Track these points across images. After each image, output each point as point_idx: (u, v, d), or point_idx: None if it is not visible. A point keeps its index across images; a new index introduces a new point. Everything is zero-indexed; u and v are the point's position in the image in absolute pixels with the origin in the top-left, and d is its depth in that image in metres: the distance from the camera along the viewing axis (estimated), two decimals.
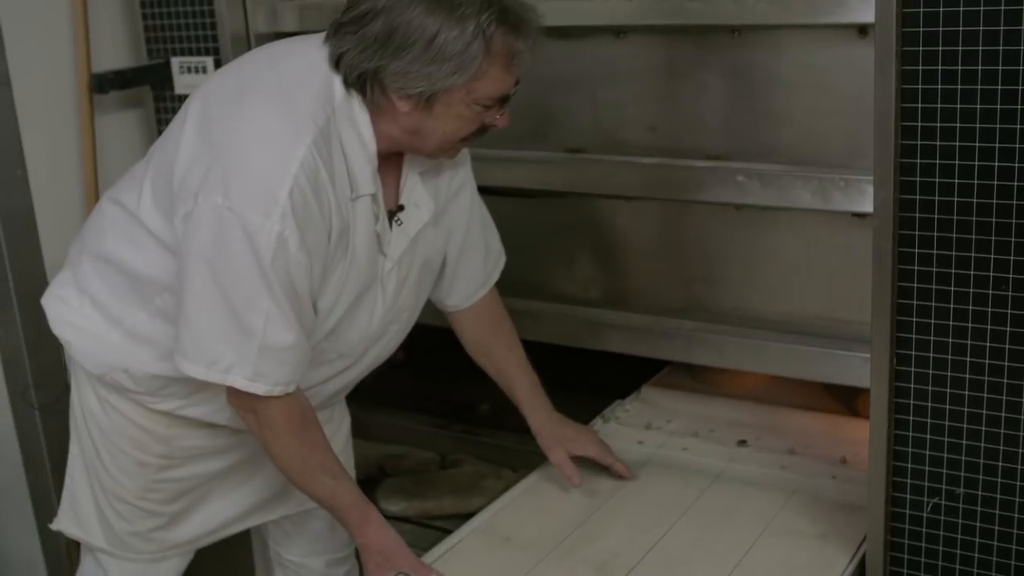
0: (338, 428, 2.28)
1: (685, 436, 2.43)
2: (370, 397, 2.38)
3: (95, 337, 1.98)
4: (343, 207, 1.81)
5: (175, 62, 2.82)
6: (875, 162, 1.68)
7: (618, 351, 2.49)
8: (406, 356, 2.83)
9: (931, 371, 1.73)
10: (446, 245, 2.11)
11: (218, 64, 2.72)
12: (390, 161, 1.92)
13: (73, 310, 2.01)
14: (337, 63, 1.79)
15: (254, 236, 1.70)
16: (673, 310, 2.45)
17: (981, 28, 1.57)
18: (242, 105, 1.79)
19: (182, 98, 2.75)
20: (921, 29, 1.61)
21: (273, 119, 1.76)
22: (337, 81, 1.80)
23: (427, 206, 1.99)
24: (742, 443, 2.37)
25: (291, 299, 1.77)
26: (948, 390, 1.73)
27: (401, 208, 1.95)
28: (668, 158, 2.32)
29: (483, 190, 2.48)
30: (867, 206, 1.88)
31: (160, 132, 2.46)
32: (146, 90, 2.91)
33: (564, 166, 2.45)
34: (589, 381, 2.68)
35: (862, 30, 2.05)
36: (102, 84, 2.83)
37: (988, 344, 1.68)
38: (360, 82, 1.79)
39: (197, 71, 2.79)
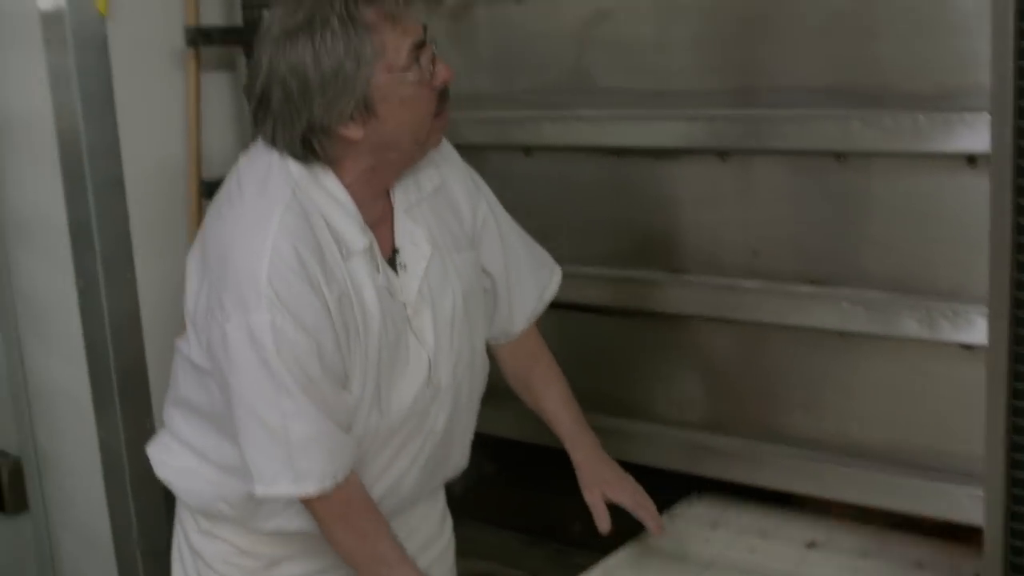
0: (445, 549, 2.26)
1: (752, 536, 2.36)
2: (458, 510, 2.35)
3: (192, 473, 2.01)
4: (338, 272, 1.80)
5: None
6: (990, 296, 1.65)
7: (713, 476, 2.44)
8: (497, 468, 2.82)
9: None
10: (486, 272, 2.12)
11: None
12: (377, 209, 1.90)
13: (172, 454, 2.06)
14: (278, 145, 1.80)
15: (253, 334, 1.73)
16: (772, 435, 2.40)
17: None
18: (221, 224, 1.83)
19: None
20: None
21: (242, 222, 1.80)
22: (289, 160, 1.81)
23: (423, 241, 1.95)
24: (811, 545, 2.30)
25: (306, 388, 1.76)
26: None
27: (397, 251, 1.93)
28: (770, 281, 2.30)
29: (582, 308, 2.50)
30: (976, 337, 1.84)
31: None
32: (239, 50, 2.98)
33: (665, 286, 2.44)
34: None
35: (971, 159, 2.02)
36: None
37: None
38: (307, 146, 1.80)
39: None
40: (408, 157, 1.88)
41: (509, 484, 2.88)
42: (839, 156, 2.19)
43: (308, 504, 1.86)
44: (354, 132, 1.78)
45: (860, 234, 2.21)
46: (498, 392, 2.24)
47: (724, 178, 2.35)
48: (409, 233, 1.94)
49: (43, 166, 2.88)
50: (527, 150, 2.62)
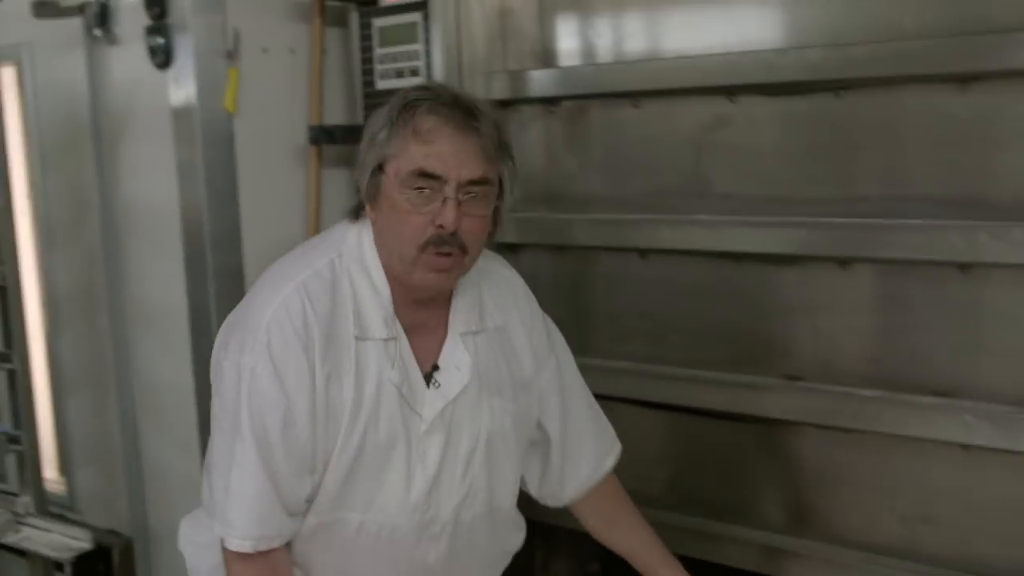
0: None
1: None
2: None
3: (209, 550, 1.99)
4: (343, 349, 1.84)
5: None
6: None
7: None
8: (601, 567, 2.79)
9: None
10: (529, 429, 2.09)
11: None
12: (421, 316, 1.92)
13: (199, 529, 2.07)
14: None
15: (239, 374, 1.82)
16: (888, 549, 2.34)
17: None
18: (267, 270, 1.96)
19: None
20: None
21: (275, 272, 1.92)
22: (352, 229, 1.92)
23: (466, 368, 1.95)
24: None
25: (260, 444, 1.79)
26: None
27: (436, 368, 1.94)
28: (891, 391, 2.27)
29: (692, 411, 2.48)
30: None
31: None
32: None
33: (779, 392, 2.41)
34: None
35: None
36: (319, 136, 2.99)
37: None
38: (358, 209, 1.92)
39: None
40: (404, 275, 1.86)
41: None
42: (963, 267, 2.16)
43: (227, 561, 1.88)
44: (369, 210, 1.88)
45: (984, 345, 2.18)
46: None
47: (844, 286, 2.33)
48: (455, 357, 1.96)
49: (166, 255, 2.96)
50: (642, 253, 2.62)
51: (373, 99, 2.94)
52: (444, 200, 1.79)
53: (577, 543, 2.93)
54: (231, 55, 2.83)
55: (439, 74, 2.73)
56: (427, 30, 2.76)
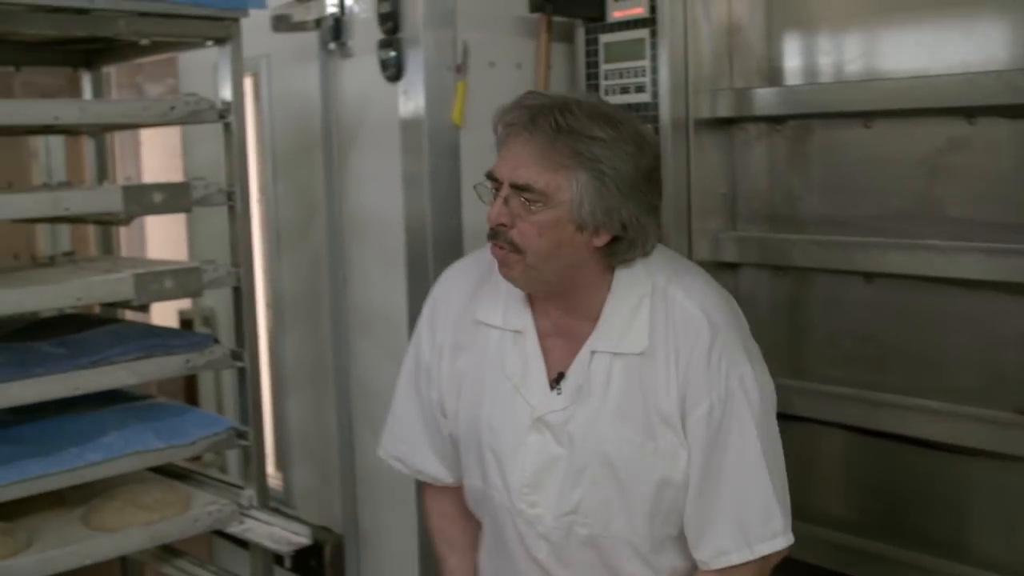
0: None
1: None
2: None
3: None
4: (470, 326, 2.07)
5: None
6: None
7: None
8: None
9: None
10: (668, 467, 1.93)
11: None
12: (553, 321, 2.00)
13: None
14: None
15: None
16: None
17: None
18: None
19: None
20: None
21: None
22: None
23: (588, 385, 1.94)
24: None
25: (406, 368, 2.19)
26: None
27: (563, 376, 1.97)
28: None
29: (915, 441, 2.40)
30: None
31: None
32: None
33: (1012, 428, 2.32)
34: None
35: None
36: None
37: None
38: None
39: None
40: None
41: None
42: None
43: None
44: None
45: None
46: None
47: None
48: (580, 370, 1.96)
49: (389, 262, 3.04)
50: (868, 276, 2.56)
51: None
52: (495, 198, 1.93)
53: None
54: (459, 69, 2.90)
55: (665, 90, 2.73)
56: (654, 47, 2.77)
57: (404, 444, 2.22)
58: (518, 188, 1.87)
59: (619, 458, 1.94)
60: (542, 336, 2.01)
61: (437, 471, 2.20)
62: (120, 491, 2.68)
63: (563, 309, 1.98)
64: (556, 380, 1.98)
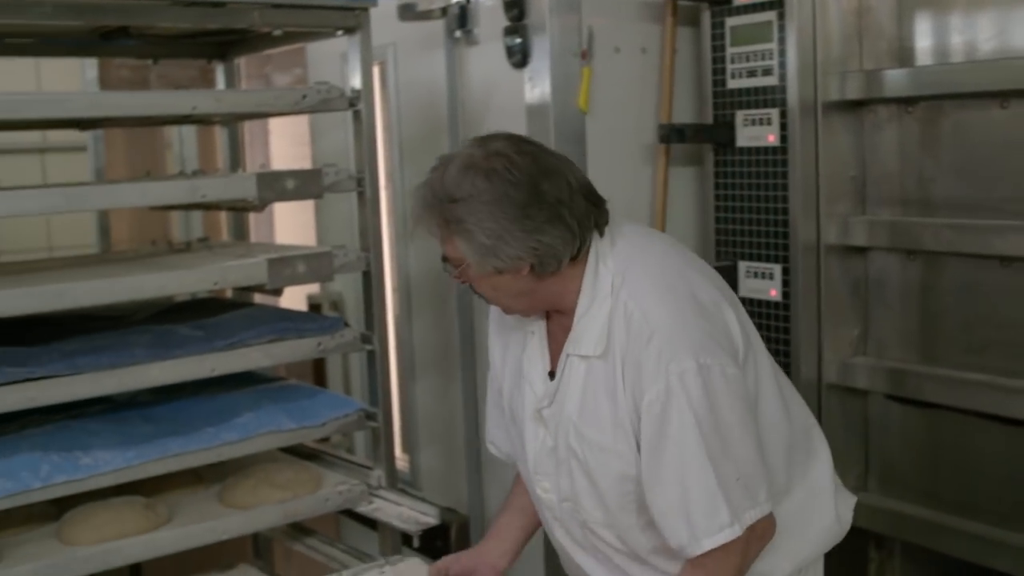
0: None
1: None
2: None
3: None
4: (505, 325, 2.17)
5: (739, 116, 2.93)
6: None
7: None
8: None
9: None
10: (626, 464, 1.97)
11: (783, 127, 2.80)
12: (554, 324, 2.08)
13: None
14: None
15: None
16: None
17: None
18: None
19: (744, 151, 2.91)
20: None
21: None
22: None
23: (563, 384, 2.03)
24: None
25: (491, 372, 2.26)
26: None
27: (553, 373, 2.07)
28: None
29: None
30: None
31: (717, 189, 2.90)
32: (708, 148, 3.05)
33: None
34: None
35: None
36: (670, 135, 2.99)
37: None
38: None
39: (760, 123, 2.87)
40: None
41: None
42: None
43: None
44: None
45: None
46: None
47: None
48: (562, 368, 2.05)
49: None
50: (1005, 260, 2.51)
51: (723, 98, 2.94)
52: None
53: (912, 558, 2.85)
54: (585, 55, 2.90)
55: (793, 73, 2.71)
56: (781, 29, 2.74)
57: (495, 430, 2.31)
58: (446, 260, 2.01)
59: (583, 453, 2.00)
60: (551, 335, 2.10)
61: (500, 449, 2.33)
62: (254, 470, 2.76)
63: (560, 312, 2.06)
64: (551, 376, 2.07)
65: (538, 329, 2.10)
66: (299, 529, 3.06)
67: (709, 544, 1.91)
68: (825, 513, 2.11)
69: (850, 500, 2.15)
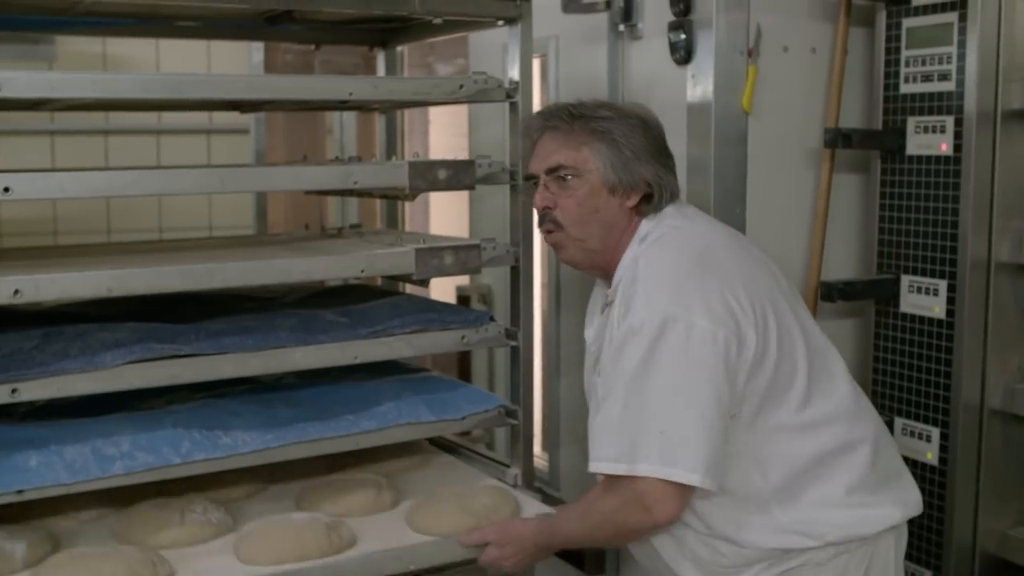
0: None
1: None
2: None
3: None
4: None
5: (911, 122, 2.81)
6: None
7: None
8: None
9: None
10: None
11: (957, 135, 2.68)
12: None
13: None
14: None
15: None
16: None
17: None
18: None
19: (913, 160, 2.80)
20: None
21: None
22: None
23: (591, 334, 2.45)
24: None
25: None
26: None
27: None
28: None
29: None
30: None
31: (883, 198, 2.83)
32: (875, 154, 2.95)
33: None
34: None
35: None
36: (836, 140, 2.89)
37: None
38: None
39: (933, 131, 2.74)
40: None
41: None
42: None
43: None
44: None
45: None
46: None
47: None
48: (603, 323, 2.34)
49: None
50: None
51: (894, 103, 2.81)
52: (537, 189, 2.36)
53: None
54: (751, 53, 2.81)
55: (972, 79, 2.57)
56: (962, 32, 2.60)
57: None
58: (552, 171, 2.32)
59: (596, 397, 2.32)
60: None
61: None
62: (447, 492, 2.61)
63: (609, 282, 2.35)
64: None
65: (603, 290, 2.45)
66: None
67: (594, 467, 2.17)
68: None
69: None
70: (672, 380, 2.06)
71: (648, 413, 2.07)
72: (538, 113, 2.43)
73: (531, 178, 2.39)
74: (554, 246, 2.41)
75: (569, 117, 2.32)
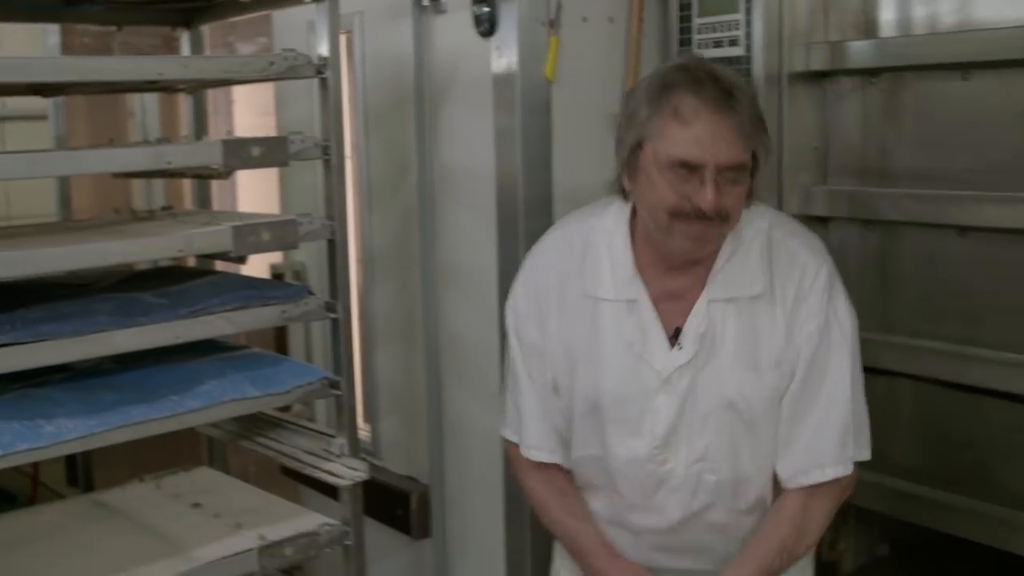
0: None
1: None
2: None
3: None
4: (577, 301, 2.11)
5: None
6: None
7: None
8: (891, 550, 2.74)
9: None
10: (777, 402, 2.06)
11: None
12: (674, 284, 2.07)
13: None
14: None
15: (508, 314, 2.30)
16: None
17: None
18: None
19: None
20: None
21: (544, 238, 2.32)
22: (616, 201, 2.14)
23: (710, 334, 2.04)
24: None
25: (521, 362, 2.21)
26: None
27: (680, 331, 2.03)
28: None
29: (1012, 397, 2.38)
30: None
31: None
32: None
33: None
34: None
35: None
36: None
37: None
38: (620, 183, 2.06)
39: None
40: (661, 242, 2.02)
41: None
42: None
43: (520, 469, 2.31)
44: (626, 182, 2.02)
45: None
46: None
47: None
48: (700, 321, 2.04)
49: (479, 217, 3.07)
50: (962, 230, 2.54)
51: None
52: (702, 182, 1.92)
53: (866, 523, 2.89)
54: (553, 24, 2.90)
55: (759, 44, 2.72)
56: (749, 0, 2.75)
57: (541, 435, 2.26)
58: (731, 169, 1.94)
59: (741, 401, 2.04)
60: (654, 301, 2.08)
61: (553, 452, 2.26)
62: None
63: (679, 271, 2.07)
64: (674, 337, 2.06)
65: (640, 295, 2.07)
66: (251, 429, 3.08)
67: (832, 473, 2.04)
68: None
69: None
70: (861, 374, 2.13)
71: (860, 408, 2.11)
72: (716, 78, 1.95)
73: (688, 166, 1.93)
74: (697, 237, 2.01)
75: (751, 102, 1.99)
